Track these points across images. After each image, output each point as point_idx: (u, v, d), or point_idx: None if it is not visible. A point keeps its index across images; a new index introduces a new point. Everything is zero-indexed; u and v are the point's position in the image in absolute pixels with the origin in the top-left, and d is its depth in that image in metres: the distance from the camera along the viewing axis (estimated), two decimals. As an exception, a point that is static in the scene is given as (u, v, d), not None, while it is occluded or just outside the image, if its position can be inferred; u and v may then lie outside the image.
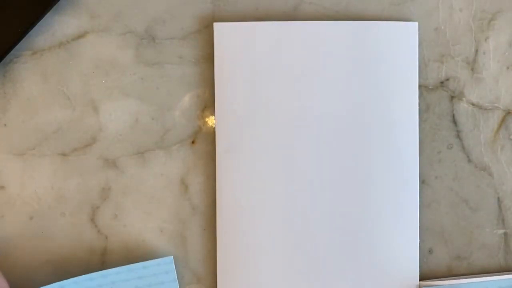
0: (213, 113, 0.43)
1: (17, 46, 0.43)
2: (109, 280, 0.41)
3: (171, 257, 0.41)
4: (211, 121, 0.43)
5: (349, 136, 0.42)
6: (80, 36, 0.44)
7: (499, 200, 0.44)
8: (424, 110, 0.43)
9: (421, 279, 0.42)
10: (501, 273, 0.42)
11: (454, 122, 0.44)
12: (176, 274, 0.41)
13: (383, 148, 0.42)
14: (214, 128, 0.43)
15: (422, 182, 0.43)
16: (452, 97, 0.44)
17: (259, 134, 0.42)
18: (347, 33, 0.42)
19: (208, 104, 0.43)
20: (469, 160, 0.43)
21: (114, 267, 0.41)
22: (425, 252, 0.43)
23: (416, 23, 0.42)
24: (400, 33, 0.42)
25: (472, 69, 0.44)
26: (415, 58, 0.42)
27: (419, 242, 0.42)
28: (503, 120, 0.44)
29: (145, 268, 0.41)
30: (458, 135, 0.44)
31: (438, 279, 0.42)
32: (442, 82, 0.44)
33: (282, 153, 0.42)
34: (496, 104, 0.43)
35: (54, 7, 0.43)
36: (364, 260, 0.42)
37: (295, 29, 0.42)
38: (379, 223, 0.42)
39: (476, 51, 0.43)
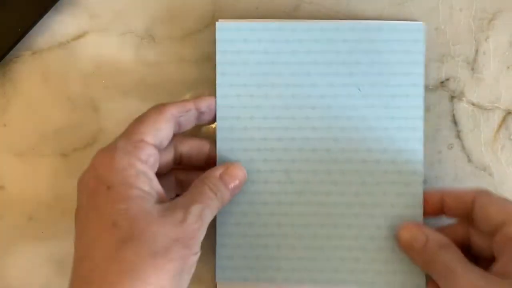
0: (212, 113, 0.43)
1: (17, 46, 0.43)
2: (354, 37, 0.40)
3: (421, 24, 0.41)
4: (204, 125, 0.43)
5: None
6: (80, 36, 0.44)
7: (499, 200, 0.43)
8: (424, 110, 0.43)
9: (421, 279, 0.42)
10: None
11: (455, 122, 0.44)
12: (423, 44, 0.41)
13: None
14: (214, 128, 0.43)
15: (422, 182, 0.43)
16: (452, 97, 0.44)
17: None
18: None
19: (208, 104, 0.43)
20: (470, 160, 0.43)
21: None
22: (425, 252, 0.43)
23: (421, 23, 0.42)
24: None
25: (472, 69, 0.43)
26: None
27: (419, 242, 0.42)
28: (503, 120, 0.43)
29: (394, 30, 0.40)
30: (459, 135, 0.44)
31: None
32: (442, 82, 0.44)
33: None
34: (496, 104, 0.43)
35: (54, 7, 0.43)
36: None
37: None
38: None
39: (476, 51, 0.43)
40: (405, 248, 0.39)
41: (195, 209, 0.35)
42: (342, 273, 0.40)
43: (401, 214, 0.40)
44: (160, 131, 0.37)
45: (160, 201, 0.35)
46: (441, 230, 0.40)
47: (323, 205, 0.41)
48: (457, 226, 0.40)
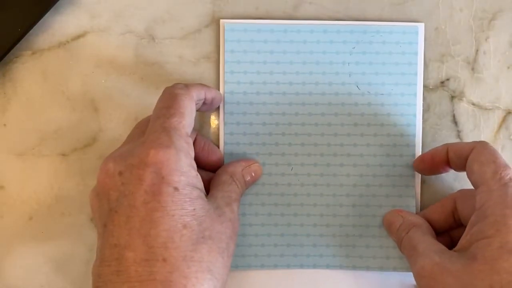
0: (213, 113, 0.43)
1: (17, 46, 0.43)
2: (354, 38, 0.42)
3: (416, 26, 0.42)
4: (211, 121, 0.43)
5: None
6: (80, 36, 0.44)
7: (499, 200, 0.43)
8: (424, 110, 0.43)
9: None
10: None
11: (455, 122, 0.44)
12: (419, 41, 0.42)
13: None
14: (215, 128, 0.43)
15: (422, 182, 0.43)
16: (452, 97, 0.44)
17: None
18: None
19: (208, 104, 0.43)
20: (470, 160, 0.43)
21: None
22: (426, 252, 0.43)
23: (422, 24, 0.42)
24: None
25: (473, 69, 0.43)
26: (420, 59, 0.42)
27: (419, 242, 0.42)
28: (503, 120, 0.43)
29: (391, 32, 0.42)
30: (459, 135, 0.44)
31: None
32: (442, 82, 0.44)
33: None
34: (496, 104, 0.43)
35: (54, 7, 0.43)
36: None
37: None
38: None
39: (477, 51, 0.43)
40: (387, 230, 0.41)
41: (235, 207, 0.38)
42: (340, 258, 0.42)
43: (394, 204, 0.42)
44: (193, 120, 0.37)
45: (204, 195, 0.36)
46: (433, 207, 0.40)
47: (324, 196, 0.42)
48: (446, 200, 0.40)
